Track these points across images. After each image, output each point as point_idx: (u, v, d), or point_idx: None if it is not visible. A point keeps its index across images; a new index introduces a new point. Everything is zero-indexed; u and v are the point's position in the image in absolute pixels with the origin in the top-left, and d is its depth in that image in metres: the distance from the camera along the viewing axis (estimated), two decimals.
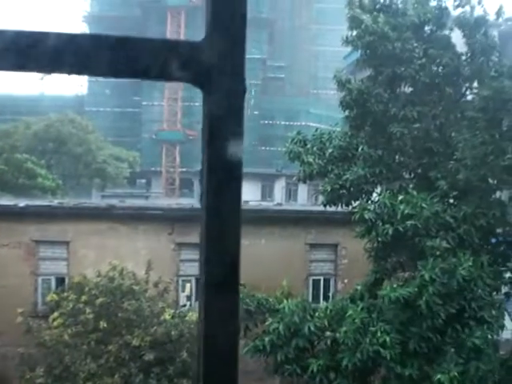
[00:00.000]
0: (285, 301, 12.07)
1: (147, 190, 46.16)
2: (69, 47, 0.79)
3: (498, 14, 13.85)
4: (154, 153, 46.90)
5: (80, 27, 52.49)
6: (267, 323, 12.04)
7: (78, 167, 37.82)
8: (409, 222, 11.35)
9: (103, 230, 17.59)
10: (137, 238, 17.75)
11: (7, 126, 36.86)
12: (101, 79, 49.81)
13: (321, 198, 13.93)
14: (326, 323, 11.94)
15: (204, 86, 0.87)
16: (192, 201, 26.38)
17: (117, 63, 0.83)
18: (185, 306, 17.47)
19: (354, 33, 12.78)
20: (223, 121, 0.87)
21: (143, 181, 47.74)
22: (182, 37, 46.94)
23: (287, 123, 47.13)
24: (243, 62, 0.90)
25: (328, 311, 12.16)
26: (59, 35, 0.79)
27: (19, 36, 0.78)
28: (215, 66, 0.87)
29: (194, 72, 0.86)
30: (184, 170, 45.82)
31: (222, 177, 0.88)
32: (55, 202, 19.86)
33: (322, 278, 19.19)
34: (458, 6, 13.26)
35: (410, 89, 13.30)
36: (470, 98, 13.49)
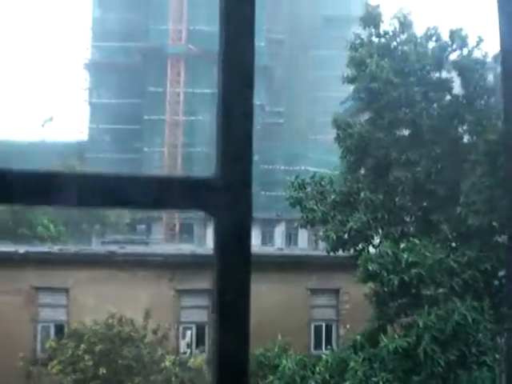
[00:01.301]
0: (283, 361, 11.88)
1: (147, 236, 45.99)
2: (103, 186, 0.99)
3: (496, 56, 14.04)
4: None
5: (81, 74, 53.20)
6: (267, 381, 11.85)
7: (78, 213, 37.81)
8: (413, 271, 11.26)
9: (103, 276, 17.47)
10: (137, 284, 17.62)
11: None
12: (101, 126, 50.32)
13: (322, 244, 13.89)
14: (328, 376, 11.74)
15: (215, 214, 1.02)
16: (192, 247, 26.29)
17: (144, 197, 1.00)
18: (185, 353, 17.22)
19: (354, 72, 12.90)
20: (232, 245, 1.00)
21: (143, 226, 47.63)
22: (182, 84, 47.59)
23: (286, 168, 47.31)
24: (250, 192, 1.08)
25: (329, 364, 11.96)
26: (101, 176, 1.00)
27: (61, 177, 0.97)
28: (225, 197, 1.03)
29: (206, 203, 1.03)
30: (184, 216, 45.77)
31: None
32: (55, 248, 19.80)
33: (323, 324, 18.97)
34: (455, 50, 13.43)
35: (410, 131, 13.37)
36: (468, 139, 13.55)
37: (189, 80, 47.52)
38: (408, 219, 13.72)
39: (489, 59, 13.62)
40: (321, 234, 13.73)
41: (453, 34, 13.25)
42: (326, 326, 18.99)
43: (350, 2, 51.09)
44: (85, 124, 52.34)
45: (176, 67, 48.25)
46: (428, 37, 13.40)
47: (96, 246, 30.18)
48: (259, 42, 49.82)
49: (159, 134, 47.57)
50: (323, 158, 42.37)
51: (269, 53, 51.08)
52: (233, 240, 1.01)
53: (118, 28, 47.13)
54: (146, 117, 48.01)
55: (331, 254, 13.35)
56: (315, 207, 12.88)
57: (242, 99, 1.12)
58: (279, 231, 43.93)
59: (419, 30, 13.54)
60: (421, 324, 10.81)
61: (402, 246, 11.74)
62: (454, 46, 13.29)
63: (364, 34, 13.42)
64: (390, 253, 11.63)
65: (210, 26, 48.66)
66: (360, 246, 12.95)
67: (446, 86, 13.11)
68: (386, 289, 11.76)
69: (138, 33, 47.97)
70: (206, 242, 37.30)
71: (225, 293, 0.99)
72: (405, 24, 13.46)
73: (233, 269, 1.00)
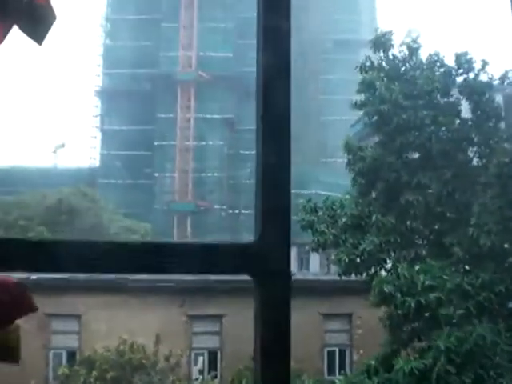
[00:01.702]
0: None
1: None
2: (154, 254, 1.07)
3: (503, 78, 14.10)
4: (165, 224, 47.01)
5: (92, 101, 53.73)
6: None
7: (90, 239, 37.98)
8: (432, 295, 11.18)
9: (115, 303, 17.46)
10: (148, 310, 17.58)
11: (20, 198, 37.28)
12: (113, 152, 50.69)
13: (334, 268, 13.85)
14: None
15: (256, 276, 1.11)
16: None
17: (192, 263, 1.09)
18: (197, 379, 17.09)
19: (363, 97, 12.99)
20: (273, 310, 1.08)
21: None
22: (192, 110, 47.98)
23: (297, 191, 47.26)
24: (289, 253, 1.17)
25: None
26: (151, 244, 1.10)
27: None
28: (266, 260, 1.11)
29: (248, 266, 1.11)
30: (196, 240, 45.78)
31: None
32: (67, 275, 19.83)
33: (337, 349, 18.80)
34: (462, 74, 13.52)
35: (420, 154, 13.41)
36: (478, 161, 13.58)
37: (199, 106, 47.91)
38: (420, 242, 13.67)
39: (495, 81, 13.69)
40: (333, 257, 13.69)
41: (459, 58, 13.36)
42: (340, 351, 18.82)
43: (359, 26, 51.52)
44: (96, 150, 52.76)
45: (186, 93, 48.67)
46: (434, 62, 13.53)
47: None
48: None
49: (170, 159, 47.85)
50: (334, 182, 42.38)
51: None
52: (274, 301, 1.09)
53: (129, 55, 47.70)
54: (156, 143, 48.36)
55: (343, 277, 13.29)
56: (326, 230, 12.87)
57: (281, 171, 1.24)
58: (291, 255, 43.78)
59: (427, 54, 13.67)
60: (442, 346, 10.68)
61: (417, 267, 11.68)
62: (461, 70, 13.39)
63: (374, 57, 13.54)
64: (406, 275, 11.57)
65: (220, 53, 49.25)
66: (372, 269, 12.89)
67: (454, 109, 13.19)
68: (400, 311, 11.67)
69: (149, 60, 48.53)
70: None
71: (267, 353, 1.05)
72: (413, 49, 13.59)
73: (275, 329, 1.07)
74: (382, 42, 13.36)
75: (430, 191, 12.85)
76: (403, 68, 13.52)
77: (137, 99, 48.76)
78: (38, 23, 1.55)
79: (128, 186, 49.72)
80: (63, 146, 52.60)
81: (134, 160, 49.10)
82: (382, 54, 13.41)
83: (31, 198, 38.15)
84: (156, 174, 49.05)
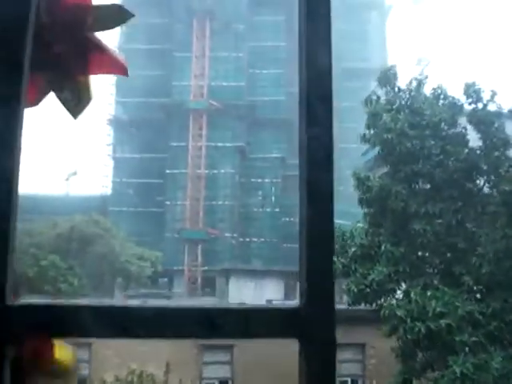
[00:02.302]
0: None
1: (169, 289, 45.93)
2: (202, 317, 1.17)
3: None
4: (176, 251, 47.06)
5: (105, 129, 54.28)
6: None
7: (101, 267, 38.05)
8: (443, 321, 11.13)
9: None
10: (159, 339, 17.54)
11: (32, 226, 37.50)
12: (125, 180, 51.00)
13: (345, 297, 13.81)
14: None
15: (301, 340, 1.14)
16: (214, 300, 26.20)
17: (238, 327, 1.14)
18: None
19: (372, 131, 13.11)
20: (319, 370, 1.14)
21: (165, 279, 47.60)
22: (204, 138, 48.31)
23: None
24: (334, 318, 1.23)
25: None
26: (200, 309, 1.19)
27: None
28: (312, 325, 1.16)
29: (293, 330, 1.15)
30: (206, 268, 45.73)
31: None
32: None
33: (349, 380, 18.63)
34: (470, 103, 13.61)
35: (428, 184, 13.46)
36: (487, 190, 13.60)
37: (210, 134, 48.26)
38: (430, 271, 13.63)
39: (504, 110, 13.78)
40: (343, 287, 13.67)
41: (467, 89, 13.46)
42: (352, 382, 18.64)
43: (369, 55, 51.88)
44: (108, 178, 53.10)
45: (198, 122, 49.07)
46: (438, 95, 13.66)
47: (118, 300, 30.20)
48: (279, 97, 50.66)
49: (181, 187, 48.06)
50: (346, 210, 42.31)
51: (289, 106, 51.77)
52: (320, 364, 1.15)
53: (141, 84, 48.24)
54: (168, 171, 48.64)
55: (352, 307, 13.27)
56: (336, 260, 12.88)
57: (324, 237, 1.25)
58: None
59: (433, 85, 13.81)
60: (458, 372, 10.57)
61: (429, 293, 11.66)
62: (469, 100, 13.48)
63: (381, 91, 13.68)
64: (418, 300, 11.55)
65: (231, 82, 49.72)
66: (382, 299, 12.85)
67: (462, 139, 13.26)
68: (409, 336, 11.61)
69: (161, 89, 49.07)
70: (228, 295, 37.10)
71: None
72: (420, 81, 13.75)
73: None
74: (387, 78, 13.51)
75: (439, 221, 12.86)
76: (409, 99, 13.64)
77: (149, 128, 49.23)
78: (76, 98, 1.64)
79: (139, 214, 49.91)
80: (75, 173, 53.06)
81: (146, 188, 49.38)
82: (388, 87, 13.55)
83: (43, 225, 38.38)
84: (167, 202, 49.23)
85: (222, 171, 48.55)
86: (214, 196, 46.93)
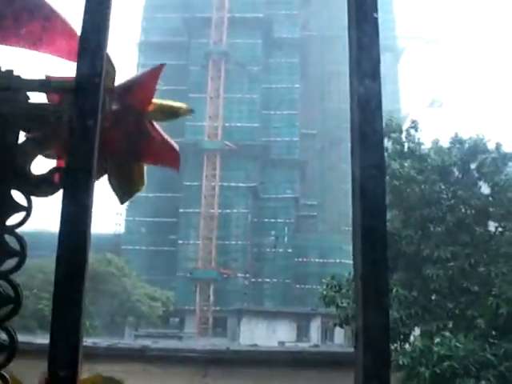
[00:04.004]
0: None
1: (180, 330, 45.65)
2: None
3: None
4: (188, 291, 46.93)
5: None
6: None
7: (112, 306, 38.01)
8: (445, 364, 11.07)
9: (136, 371, 17.32)
10: (170, 380, 17.40)
11: (45, 263, 37.61)
12: (138, 218, 51.27)
13: None
14: None
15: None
16: (226, 341, 26.01)
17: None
18: None
19: None
20: None
21: (176, 319, 47.37)
22: (218, 178, 48.66)
23: (321, 260, 47.14)
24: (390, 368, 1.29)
25: None
26: None
27: None
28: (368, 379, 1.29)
29: None
30: (218, 308, 45.48)
31: None
32: (89, 341, 19.81)
33: None
34: (476, 154, 13.79)
35: (439, 228, 13.49)
36: (498, 233, 13.62)
37: (224, 174, 48.59)
38: (443, 315, 13.53)
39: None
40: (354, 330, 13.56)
41: (474, 141, 13.68)
42: None
43: (382, 97, 52.35)
44: (122, 216, 53.39)
45: (212, 162, 49.49)
46: (453, 142, 13.84)
47: (129, 339, 30.06)
48: (293, 137, 51.13)
49: (194, 226, 48.19)
50: None
51: (302, 147, 52.18)
52: None
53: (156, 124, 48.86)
54: (181, 210, 48.87)
55: None
56: (346, 304, 12.87)
57: (380, 293, 1.28)
58: (315, 326, 43.14)
59: (446, 128, 13.99)
60: None
61: (437, 340, 11.61)
62: (476, 151, 13.65)
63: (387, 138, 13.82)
64: (421, 346, 11.51)
65: (245, 123, 50.28)
66: (395, 344, 12.74)
67: (472, 185, 13.36)
68: (415, 381, 11.53)
69: (176, 129, 49.46)
70: (239, 336, 36.81)
71: None
72: (418, 128, 13.99)
73: None
74: (392, 129, 13.68)
75: (451, 264, 12.85)
76: (417, 145, 13.83)
77: (164, 169, 49.62)
78: (126, 185, 1.75)
79: (152, 253, 50.00)
80: None
81: (159, 227, 49.57)
82: (394, 135, 13.72)
83: (51, 262, 38.52)
84: (180, 241, 49.32)
85: (235, 211, 48.71)
86: (226, 236, 47.01)
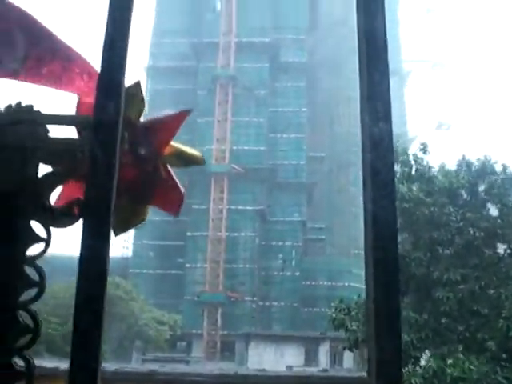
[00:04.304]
0: None
1: (188, 354, 45.37)
2: None
3: None
4: (195, 315, 46.73)
5: None
6: None
7: (120, 330, 37.86)
8: None
9: None
10: None
11: (54, 288, 37.61)
12: (145, 242, 51.28)
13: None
14: None
15: None
16: (233, 365, 25.82)
17: None
18: None
19: None
20: None
21: (184, 343, 47.11)
22: (225, 202, 48.73)
23: (329, 284, 46.89)
24: None
25: None
26: None
27: None
28: None
29: None
30: (225, 332, 45.23)
31: None
32: None
33: None
34: (484, 176, 13.80)
35: (450, 251, 13.46)
36: (506, 254, 13.58)
37: (231, 197, 48.66)
38: (454, 338, 13.42)
39: None
40: (366, 356, 13.46)
41: (482, 163, 13.71)
42: None
43: None
44: (129, 240, 53.42)
45: (219, 185, 49.61)
46: (460, 165, 13.89)
47: (136, 364, 29.88)
48: (299, 161, 51.23)
49: (202, 250, 48.14)
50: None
51: (310, 170, 52.26)
52: None
53: None
54: (189, 233, 48.88)
55: None
56: (356, 328, 12.80)
57: (392, 316, 1.30)
58: (323, 350, 42.79)
59: (453, 150, 14.04)
60: None
61: (450, 361, 11.51)
62: (483, 173, 13.68)
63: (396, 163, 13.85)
64: (435, 368, 11.39)
65: (252, 146, 50.49)
66: (406, 367, 12.62)
67: (481, 207, 13.37)
68: None
69: None
70: (247, 360, 36.55)
71: None
72: (426, 150, 14.03)
73: None
74: (398, 154, 13.70)
75: (461, 286, 12.79)
76: (425, 167, 13.88)
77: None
78: (126, 221, 1.77)
79: (159, 276, 49.91)
80: None
81: (167, 250, 49.54)
82: (402, 158, 13.76)
83: (64, 287, 38.47)
84: (187, 265, 49.24)
85: (243, 234, 48.67)
86: (234, 259, 46.92)
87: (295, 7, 54.42)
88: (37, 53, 1.68)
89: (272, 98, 52.24)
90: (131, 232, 53.60)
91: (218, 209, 48.93)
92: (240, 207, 48.69)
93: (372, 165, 1.40)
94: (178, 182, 1.91)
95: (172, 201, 1.88)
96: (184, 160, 1.88)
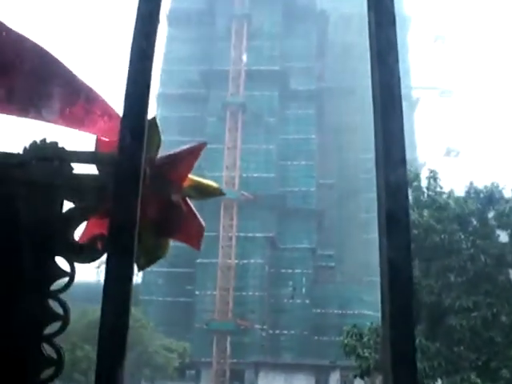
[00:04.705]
0: None
1: (197, 382, 45.04)
2: None
3: None
4: (204, 343, 46.42)
5: None
6: None
7: (129, 358, 37.54)
8: None
9: None
10: None
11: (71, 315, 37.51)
12: (155, 269, 51.20)
13: None
14: None
15: None
16: None
17: None
18: None
19: None
20: None
21: (193, 372, 46.76)
22: (234, 229, 48.70)
23: (340, 312, 46.54)
24: None
25: None
26: None
27: None
28: None
29: None
30: (235, 361, 44.87)
31: None
32: None
33: None
34: (493, 203, 13.80)
35: (462, 278, 13.40)
36: None
37: (241, 224, 48.64)
38: (467, 366, 13.29)
39: None
40: (377, 382, 13.37)
41: (490, 190, 13.73)
42: None
43: None
44: None
45: (229, 212, 49.64)
46: (468, 192, 13.91)
47: None
48: (309, 187, 51.27)
49: (211, 277, 48.00)
50: (379, 301, 41.55)
51: (319, 197, 52.27)
52: None
53: None
54: (199, 260, 48.81)
55: None
56: (369, 355, 12.68)
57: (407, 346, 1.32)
58: (334, 379, 42.35)
59: (462, 177, 14.09)
60: None
61: None
62: (492, 199, 13.68)
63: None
64: None
65: (262, 173, 50.63)
66: None
67: (491, 234, 13.34)
68: None
69: None
70: None
71: None
72: (436, 178, 14.06)
73: None
74: (410, 179, 13.76)
75: (474, 314, 12.69)
76: (435, 194, 13.91)
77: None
78: (149, 256, 1.83)
79: (168, 304, 49.75)
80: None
81: (176, 277, 49.41)
82: (412, 185, 13.81)
83: (74, 312, 38.43)
84: (197, 292, 49.07)
85: (252, 261, 48.55)
86: (243, 286, 46.74)
87: (304, 35, 55.05)
88: (61, 94, 1.74)
89: (281, 125, 52.53)
90: None
91: (228, 236, 48.91)
92: (250, 234, 48.65)
93: (387, 208, 1.44)
94: (197, 214, 1.96)
95: (193, 234, 1.93)
96: (202, 192, 1.92)
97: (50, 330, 1.61)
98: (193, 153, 1.92)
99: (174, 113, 53.40)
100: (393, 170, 1.41)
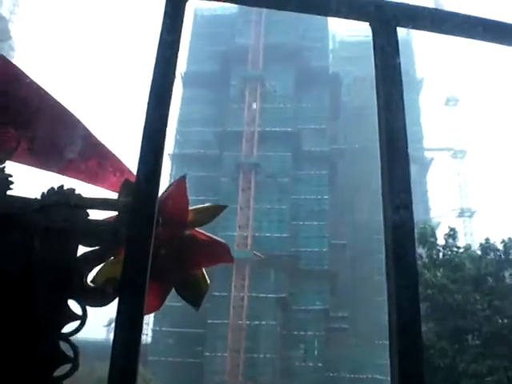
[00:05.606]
0: None
1: None
2: None
3: None
4: None
5: None
6: None
7: None
8: None
9: None
10: None
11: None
12: (164, 328, 50.57)
13: None
14: None
15: None
16: None
17: None
18: None
19: None
20: None
21: None
22: (246, 289, 48.29)
23: (352, 376, 45.51)
24: None
25: None
26: None
27: None
28: None
29: None
30: None
31: None
32: None
33: None
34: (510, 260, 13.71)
35: (477, 341, 13.14)
36: None
37: (253, 284, 48.26)
38: None
39: None
40: None
41: (505, 247, 13.64)
42: None
43: (413, 205, 52.50)
44: (148, 326, 52.77)
45: (241, 272, 49.35)
46: (485, 249, 13.81)
47: None
48: (322, 248, 51.02)
49: (222, 338, 47.31)
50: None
51: (332, 258, 51.90)
52: None
53: None
54: (209, 321, 48.23)
55: None
56: None
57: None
58: None
59: (478, 237, 14.01)
60: None
61: None
62: (508, 258, 13.57)
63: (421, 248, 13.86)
64: None
65: (274, 233, 50.56)
66: None
67: (508, 293, 13.13)
68: None
69: None
70: None
71: None
72: (455, 236, 13.99)
73: None
74: (425, 237, 13.75)
75: (488, 379, 12.37)
76: (451, 254, 13.81)
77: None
78: (193, 291, 1.90)
79: (177, 365, 48.90)
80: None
81: (186, 337, 48.72)
82: (427, 244, 13.78)
83: (82, 370, 37.80)
84: (207, 353, 48.28)
85: (264, 322, 47.88)
86: (254, 348, 45.93)
87: (317, 97, 55.94)
88: (78, 150, 1.83)
89: (294, 186, 52.78)
90: (151, 318, 53.08)
91: (240, 296, 48.45)
92: (261, 295, 48.17)
93: (394, 249, 1.47)
94: (214, 237, 2.05)
95: (220, 252, 2.03)
96: (206, 214, 2.01)
97: (60, 372, 1.63)
98: (178, 188, 2.00)
99: (188, 172, 53.82)
100: (399, 209, 1.46)
